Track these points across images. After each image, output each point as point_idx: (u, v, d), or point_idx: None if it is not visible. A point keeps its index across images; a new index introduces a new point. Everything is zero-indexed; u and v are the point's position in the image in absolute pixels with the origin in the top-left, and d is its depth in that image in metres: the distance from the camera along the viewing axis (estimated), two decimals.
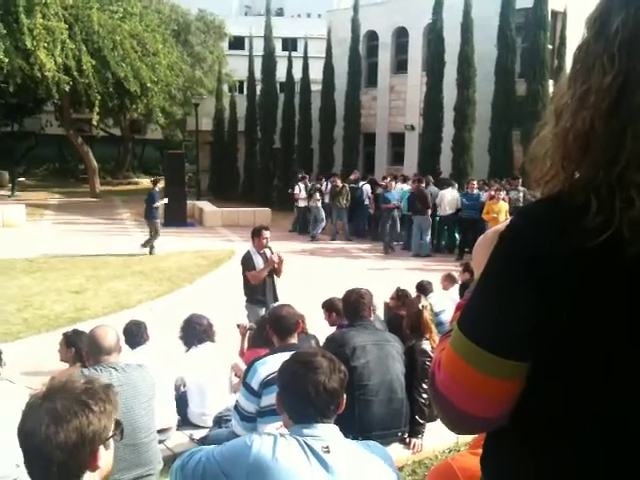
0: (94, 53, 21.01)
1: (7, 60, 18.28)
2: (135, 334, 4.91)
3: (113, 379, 3.37)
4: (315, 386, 2.24)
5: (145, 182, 32.81)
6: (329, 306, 5.28)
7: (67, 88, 20.22)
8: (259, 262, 7.07)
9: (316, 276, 11.91)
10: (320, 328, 5.57)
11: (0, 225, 17.45)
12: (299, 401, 2.25)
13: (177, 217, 18.40)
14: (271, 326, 4.02)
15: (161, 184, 15.27)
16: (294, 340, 4.03)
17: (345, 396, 2.34)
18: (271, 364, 3.64)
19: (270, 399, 3.58)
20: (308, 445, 2.17)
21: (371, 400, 4.04)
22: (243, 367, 4.54)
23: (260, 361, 3.76)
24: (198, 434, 4.83)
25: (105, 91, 21.99)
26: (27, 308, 9.30)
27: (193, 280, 11.62)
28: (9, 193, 25.95)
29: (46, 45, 19.08)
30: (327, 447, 2.18)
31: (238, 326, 5.88)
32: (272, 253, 7.15)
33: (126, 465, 3.41)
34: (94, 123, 24.43)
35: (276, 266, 7.10)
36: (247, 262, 7.13)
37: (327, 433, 2.23)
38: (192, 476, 2.18)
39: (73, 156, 32.89)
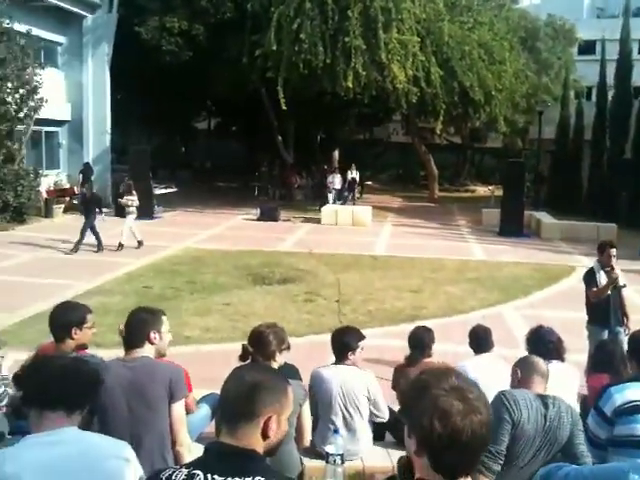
0: (442, 64, 21.76)
1: (364, 73, 20.00)
2: (481, 339, 4.95)
3: None
4: None
5: (481, 190, 33.03)
6: None
7: (415, 99, 21.30)
8: (602, 279, 6.63)
9: None
10: None
11: (350, 223, 19.31)
12: None
13: (513, 227, 18.09)
14: (631, 352, 3.71)
15: None
16: None
17: None
18: (630, 392, 3.36)
19: (626, 429, 3.31)
20: None
21: None
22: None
23: (617, 387, 3.49)
24: None
25: (450, 100, 22.62)
26: (371, 301, 10.13)
27: (528, 292, 11.32)
28: (358, 195, 28.42)
29: (399, 58, 20.35)
30: None
31: None
32: (614, 271, 6.64)
33: None
34: (437, 132, 25.38)
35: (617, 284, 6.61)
36: (589, 278, 6.78)
37: None
38: None
39: (415, 163, 34.66)
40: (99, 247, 13.78)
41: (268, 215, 19.81)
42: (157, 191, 20.64)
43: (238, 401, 1.82)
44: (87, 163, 21.69)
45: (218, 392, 4.50)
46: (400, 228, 19.35)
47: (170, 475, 1.77)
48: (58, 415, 2.16)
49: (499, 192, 22.32)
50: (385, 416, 4.60)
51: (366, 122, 34.60)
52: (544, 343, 4.67)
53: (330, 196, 23.61)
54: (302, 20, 19.57)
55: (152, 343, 3.43)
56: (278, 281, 11.58)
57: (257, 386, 1.83)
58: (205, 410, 4.41)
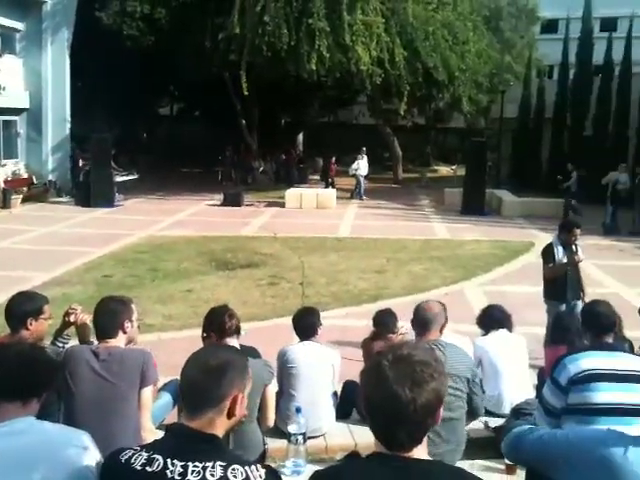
0: (406, 45, 21.55)
1: (329, 56, 19.74)
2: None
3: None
4: None
5: (444, 170, 33.21)
6: None
7: (379, 80, 21.07)
8: (560, 253, 6.68)
9: (623, 276, 10.82)
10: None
11: (314, 206, 19.25)
12: None
13: (475, 205, 18.25)
14: (585, 324, 3.76)
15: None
16: (609, 340, 3.71)
17: None
18: (582, 362, 3.41)
19: (578, 397, 3.36)
20: None
21: None
22: None
23: (570, 358, 3.52)
24: (493, 422, 4.75)
25: (414, 81, 22.44)
26: (334, 283, 10.13)
27: (489, 269, 11.44)
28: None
29: (363, 40, 20.08)
30: None
31: None
32: (576, 252, 6.70)
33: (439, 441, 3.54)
34: (401, 113, 25.30)
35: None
36: (547, 254, 6.81)
37: None
38: (530, 450, 2.22)
39: (379, 145, 34.60)
40: None
41: (232, 200, 19.61)
42: (118, 178, 20.27)
43: (203, 387, 1.81)
44: None
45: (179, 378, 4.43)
46: (364, 210, 19.37)
47: (129, 457, 1.78)
48: (15, 405, 2.14)
49: (462, 172, 22.45)
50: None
51: (331, 105, 34.30)
52: (492, 314, 5.35)
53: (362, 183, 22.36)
54: (266, 2, 19.20)
55: (125, 333, 3.39)
56: (242, 266, 11.48)
57: (222, 368, 1.83)
58: (167, 398, 4.37)
